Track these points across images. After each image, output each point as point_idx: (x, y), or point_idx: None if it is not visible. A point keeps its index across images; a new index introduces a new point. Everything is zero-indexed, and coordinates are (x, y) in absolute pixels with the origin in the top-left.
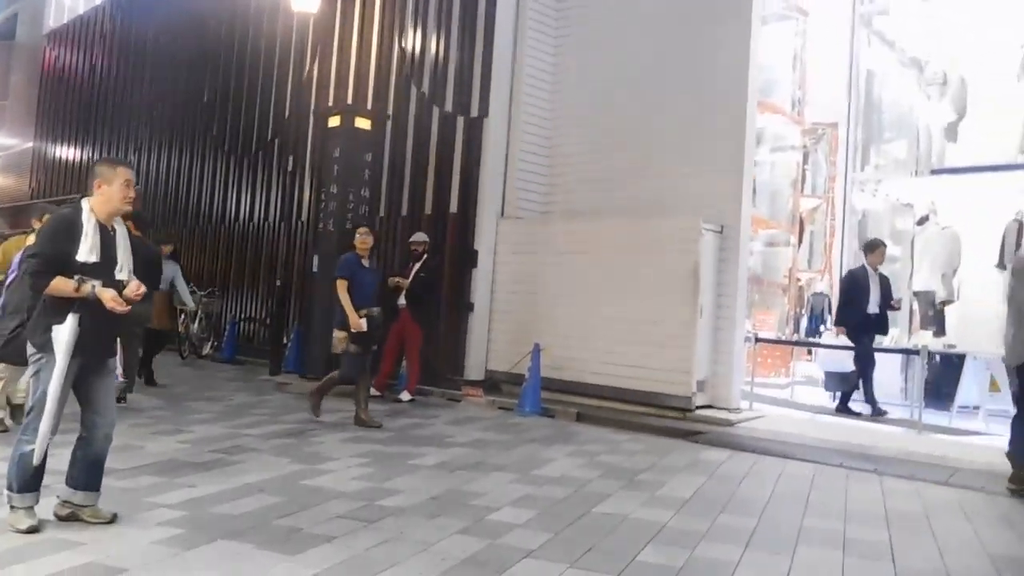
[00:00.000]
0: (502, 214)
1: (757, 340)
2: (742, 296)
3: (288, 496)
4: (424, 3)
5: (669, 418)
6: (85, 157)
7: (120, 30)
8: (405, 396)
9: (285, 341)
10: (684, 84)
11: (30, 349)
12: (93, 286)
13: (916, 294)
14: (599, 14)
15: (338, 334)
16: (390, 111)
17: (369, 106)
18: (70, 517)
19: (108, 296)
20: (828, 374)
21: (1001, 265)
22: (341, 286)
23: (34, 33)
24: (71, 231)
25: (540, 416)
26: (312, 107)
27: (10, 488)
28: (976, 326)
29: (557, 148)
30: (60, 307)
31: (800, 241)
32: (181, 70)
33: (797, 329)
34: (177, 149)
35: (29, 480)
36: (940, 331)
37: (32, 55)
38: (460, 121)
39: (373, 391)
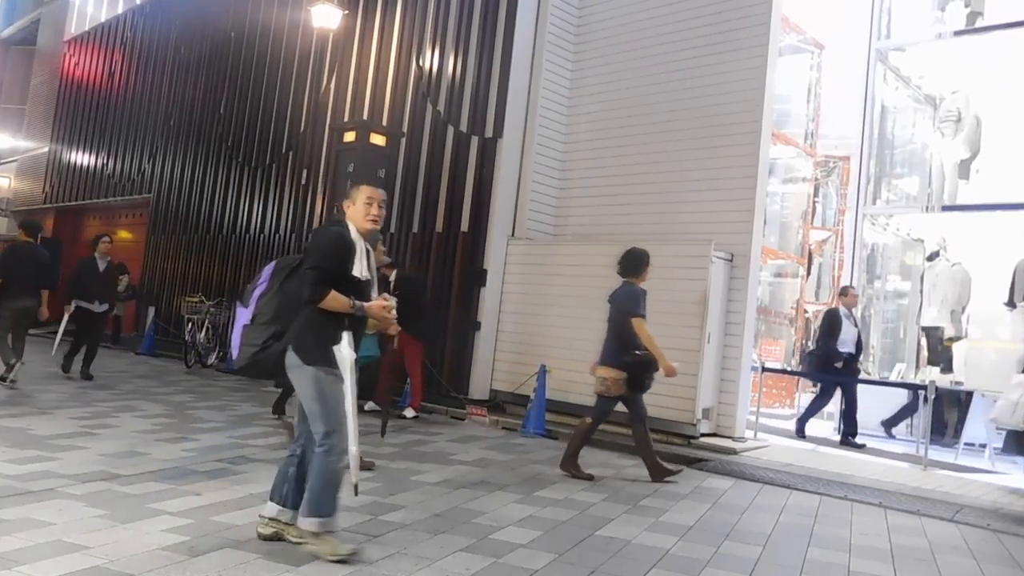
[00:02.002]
0: (512, 235)
1: (764, 369)
2: (750, 325)
3: None
4: (443, 23)
5: (673, 444)
6: (99, 164)
7: (139, 39)
8: (409, 413)
9: None
10: (699, 113)
11: (298, 367)
12: (359, 303)
13: (924, 330)
14: (617, 41)
15: (613, 373)
16: (405, 128)
17: (384, 123)
18: (274, 537)
19: (379, 306)
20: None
21: (1011, 303)
22: (642, 324)
23: (55, 39)
24: (347, 248)
25: (544, 438)
26: (328, 122)
27: (321, 514)
28: (984, 363)
29: (570, 171)
30: (330, 324)
31: (808, 273)
32: (198, 80)
33: (803, 360)
34: (191, 158)
35: (291, 497)
36: (948, 368)
37: (52, 61)
38: (474, 141)
39: (374, 405)
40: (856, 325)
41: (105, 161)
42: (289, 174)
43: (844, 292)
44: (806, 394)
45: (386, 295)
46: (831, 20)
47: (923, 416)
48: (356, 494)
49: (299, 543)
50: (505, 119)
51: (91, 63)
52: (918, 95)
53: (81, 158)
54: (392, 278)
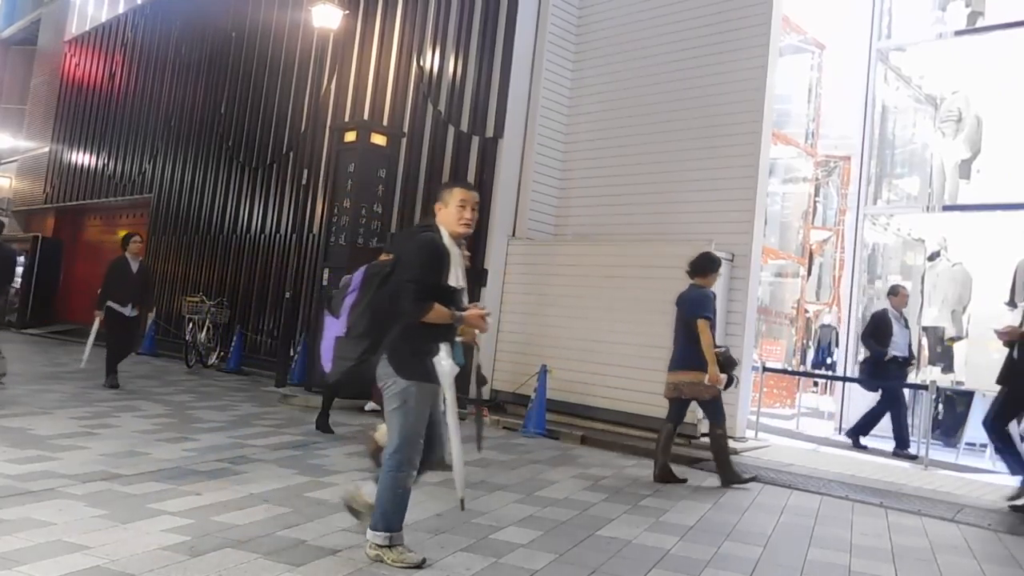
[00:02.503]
0: (513, 235)
1: (765, 369)
2: (751, 325)
3: (293, 507)
4: (444, 23)
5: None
6: (100, 164)
7: (140, 39)
8: (369, 406)
9: (292, 353)
10: (700, 113)
11: (391, 378)
12: (459, 313)
13: (925, 330)
14: (617, 41)
15: (694, 376)
16: (406, 128)
17: (385, 123)
18: (378, 559)
19: (476, 314)
20: None
21: (1011, 303)
22: (705, 327)
23: (56, 39)
24: (443, 256)
25: (544, 438)
26: (328, 122)
27: (391, 528)
28: (985, 363)
29: (570, 171)
30: (431, 335)
31: (809, 273)
32: (199, 81)
33: (804, 360)
34: (192, 159)
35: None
36: (948, 368)
37: (53, 61)
38: (475, 141)
39: (374, 405)
40: (907, 327)
41: (106, 161)
42: (290, 174)
43: (894, 292)
44: (806, 394)
45: (478, 303)
46: (832, 20)
47: (924, 416)
48: (463, 508)
49: (402, 567)
50: (506, 119)
51: (92, 63)
52: (919, 95)
53: (82, 158)
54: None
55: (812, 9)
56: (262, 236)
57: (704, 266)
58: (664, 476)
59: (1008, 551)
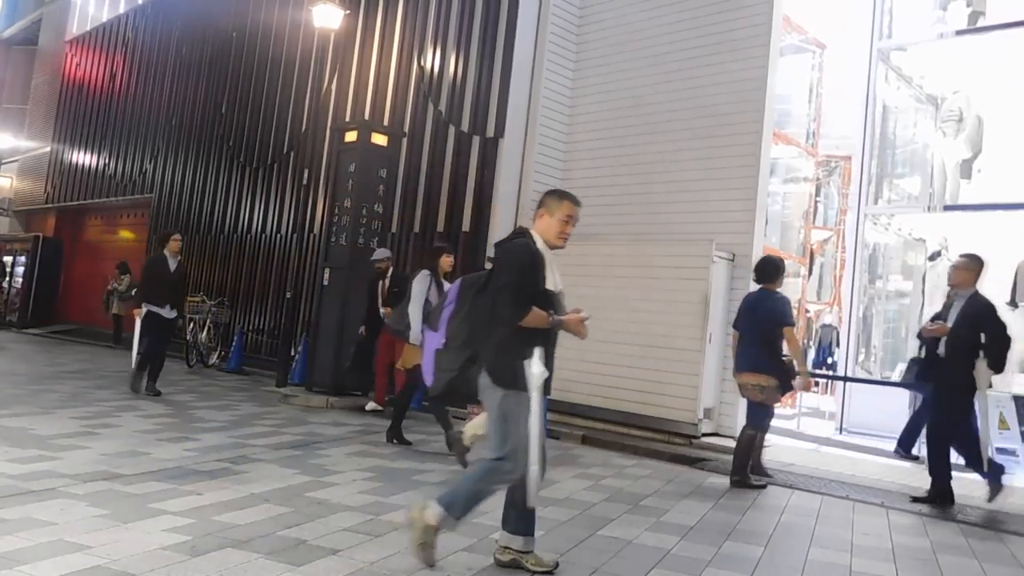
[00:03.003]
0: None
1: None
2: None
3: (294, 507)
4: (444, 23)
5: (675, 444)
6: (101, 164)
7: (141, 39)
8: (370, 406)
9: (293, 353)
10: (701, 112)
11: (490, 388)
12: (556, 317)
13: None
14: (618, 41)
15: (765, 380)
16: (407, 128)
17: (386, 123)
18: (512, 564)
19: (575, 319)
20: None
21: (1012, 303)
22: (793, 333)
23: (57, 39)
24: (539, 261)
25: (545, 438)
26: (329, 122)
27: (450, 511)
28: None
29: (571, 171)
30: (528, 341)
31: (810, 273)
32: (200, 80)
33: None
34: (193, 159)
35: (522, 524)
36: None
37: (54, 61)
38: (476, 141)
39: (375, 405)
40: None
41: (107, 161)
42: (290, 174)
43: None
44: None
45: (578, 308)
46: (832, 20)
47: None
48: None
49: (537, 571)
50: (507, 119)
51: (92, 63)
52: (920, 95)
53: (82, 158)
54: (388, 276)
55: (813, 9)
56: (263, 236)
57: (772, 272)
58: (741, 480)
59: (1009, 551)
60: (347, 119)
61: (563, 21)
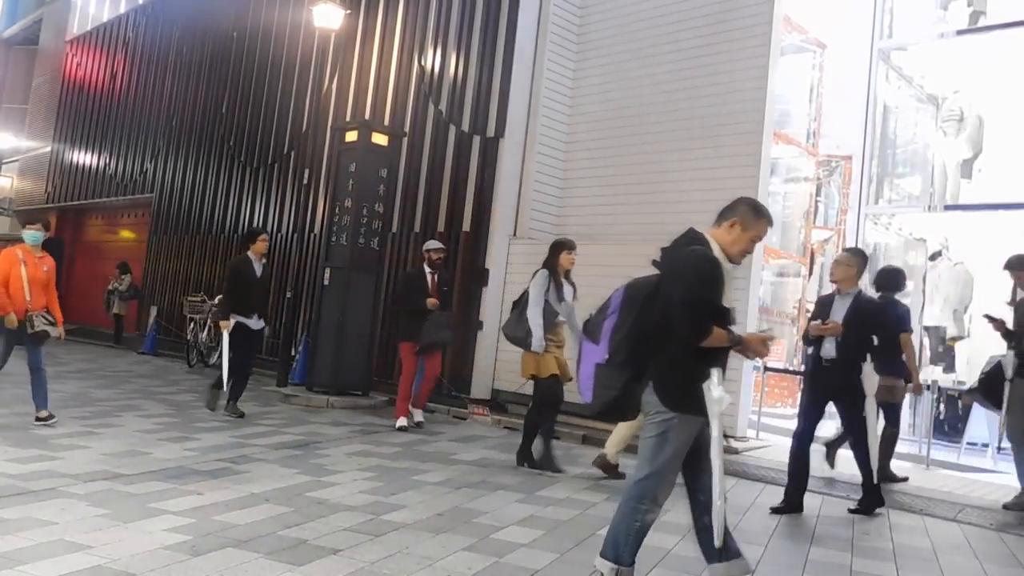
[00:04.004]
0: (514, 234)
1: (766, 369)
2: (752, 325)
3: (294, 507)
4: (445, 23)
5: None
6: (101, 163)
7: (141, 39)
8: (417, 415)
9: (293, 353)
10: (701, 112)
11: (656, 407)
12: (737, 335)
13: (927, 329)
14: (619, 40)
15: (898, 382)
16: (407, 128)
17: (386, 122)
18: None
19: (759, 339)
20: None
21: (1013, 303)
22: (909, 339)
23: (57, 39)
24: (720, 274)
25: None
26: (330, 122)
27: (620, 561)
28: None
29: (571, 171)
30: (705, 361)
31: (810, 272)
32: (200, 80)
33: (805, 360)
34: (193, 159)
35: (628, 551)
36: (950, 367)
37: (54, 61)
38: (476, 140)
39: (405, 421)
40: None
41: (107, 161)
42: (291, 174)
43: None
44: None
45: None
46: (833, 19)
47: (926, 416)
48: (719, 558)
49: None
50: (507, 119)
51: (93, 63)
52: (920, 94)
53: (83, 158)
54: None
55: (813, 9)
56: None
57: (899, 280)
58: (885, 476)
59: (1010, 551)
60: (347, 119)
61: (563, 21)
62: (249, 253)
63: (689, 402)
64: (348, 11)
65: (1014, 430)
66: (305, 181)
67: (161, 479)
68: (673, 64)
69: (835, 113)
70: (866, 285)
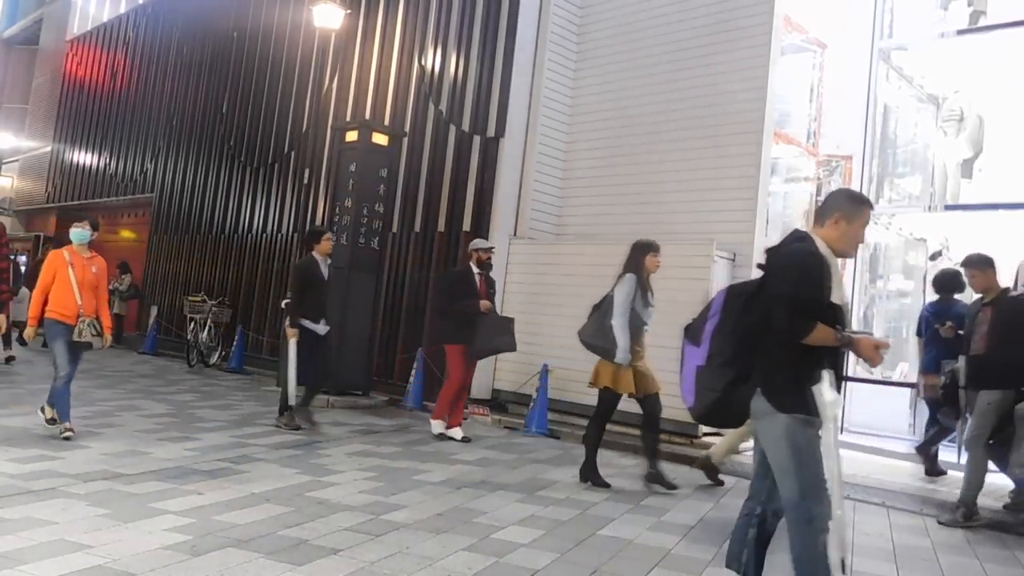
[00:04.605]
0: (515, 234)
1: None
2: None
3: (295, 507)
4: (445, 23)
5: (675, 444)
6: (102, 163)
7: (142, 39)
8: (458, 434)
9: None
10: (701, 112)
11: (768, 414)
12: (846, 335)
13: None
14: (619, 40)
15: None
16: (407, 128)
17: (386, 122)
18: None
19: (870, 343)
20: None
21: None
22: None
23: (58, 39)
24: (824, 270)
25: (546, 437)
26: (330, 121)
27: None
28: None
29: (572, 171)
30: (813, 361)
31: None
32: (200, 80)
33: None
34: (194, 159)
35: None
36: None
37: (55, 60)
38: (476, 140)
39: (441, 427)
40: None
41: (107, 161)
42: (291, 174)
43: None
44: None
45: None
46: (833, 19)
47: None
48: (844, 573)
49: None
50: (507, 119)
51: (93, 63)
52: (920, 94)
53: (83, 158)
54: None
55: (814, 8)
56: (264, 235)
57: (959, 284)
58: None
59: (1010, 551)
60: (348, 119)
61: (564, 21)
62: (314, 253)
63: (798, 403)
64: (348, 11)
65: (968, 437)
66: (305, 181)
67: (161, 479)
68: (673, 64)
69: (835, 113)
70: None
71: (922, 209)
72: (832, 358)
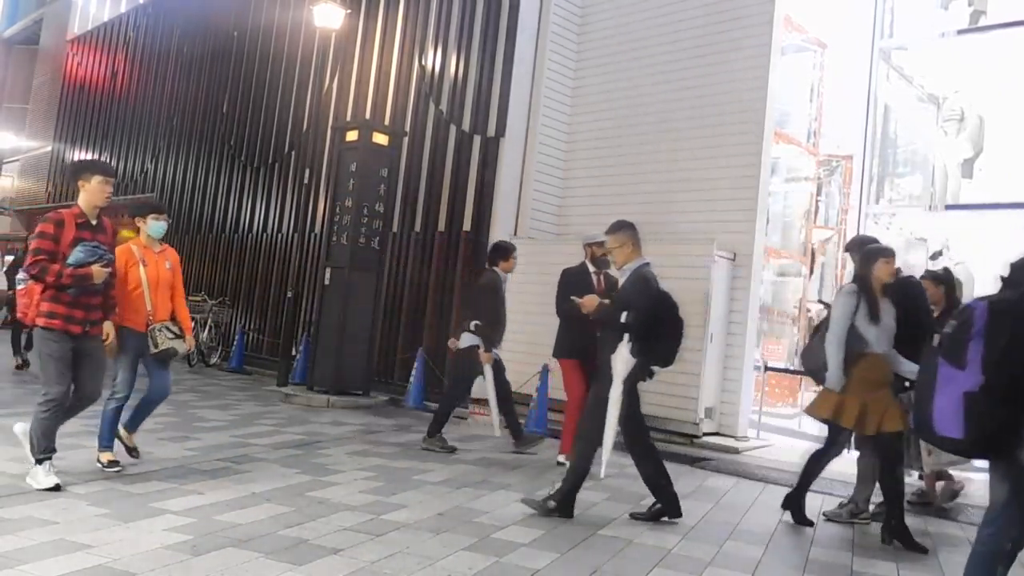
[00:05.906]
0: (515, 234)
1: (767, 369)
2: (753, 325)
3: (295, 507)
4: (445, 22)
5: (676, 444)
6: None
7: (142, 38)
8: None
9: (294, 353)
10: (702, 112)
11: None
12: None
13: None
14: (619, 40)
15: None
16: (408, 128)
17: (387, 122)
18: None
19: None
20: None
21: None
22: None
23: (58, 39)
24: None
25: (546, 437)
26: (330, 121)
27: None
28: None
29: (572, 171)
30: None
31: (811, 272)
32: (201, 80)
33: None
34: (194, 158)
35: None
36: None
37: (55, 60)
38: (477, 140)
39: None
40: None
41: (108, 160)
42: (291, 174)
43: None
44: (808, 393)
45: None
46: (834, 19)
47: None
48: None
49: None
50: (507, 118)
51: (94, 62)
52: (921, 94)
53: (84, 157)
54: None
55: (814, 8)
56: (264, 235)
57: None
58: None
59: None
60: (348, 118)
61: (564, 20)
62: (498, 270)
63: None
64: (348, 11)
65: None
66: (306, 181)
67: (162, 479)
68: (673, 64)
69: (835, 113)
70: None
71: (923, 209)
72: None
